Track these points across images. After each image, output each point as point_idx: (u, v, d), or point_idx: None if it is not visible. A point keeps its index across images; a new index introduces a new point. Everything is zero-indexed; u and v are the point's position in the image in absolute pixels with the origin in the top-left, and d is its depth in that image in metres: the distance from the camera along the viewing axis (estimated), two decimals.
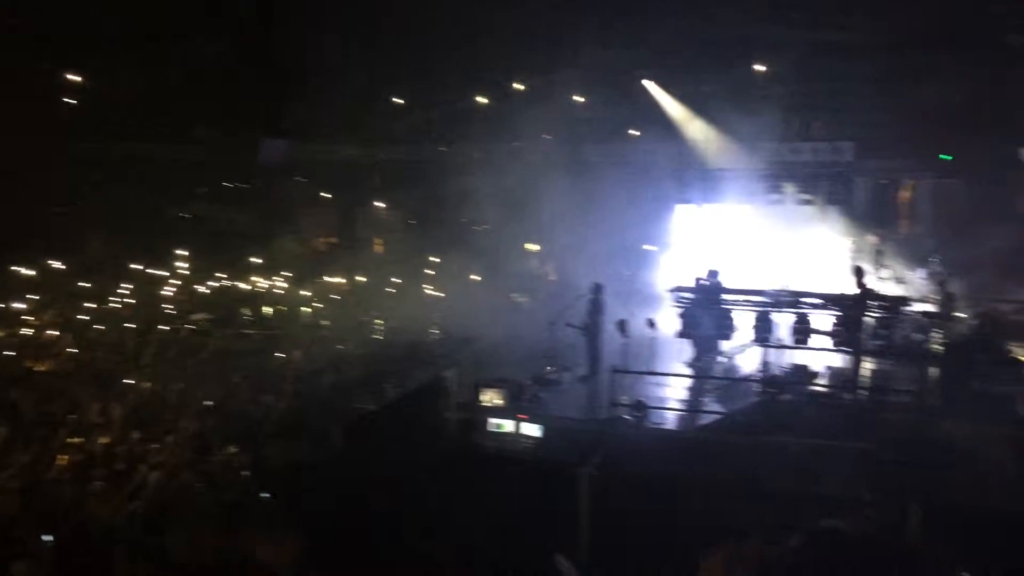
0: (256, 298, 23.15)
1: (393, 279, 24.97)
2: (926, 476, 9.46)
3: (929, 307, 16.50)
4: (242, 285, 25.02)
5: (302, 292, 23.30)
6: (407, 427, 10.24)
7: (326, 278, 25.03)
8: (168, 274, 25.31)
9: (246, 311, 21.05)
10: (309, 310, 21.72)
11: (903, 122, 22.88)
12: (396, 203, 30.85)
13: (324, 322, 20.05)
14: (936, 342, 15.34)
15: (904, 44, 22.30)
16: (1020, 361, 12.87)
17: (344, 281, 24.95)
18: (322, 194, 31.39)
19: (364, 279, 25.11)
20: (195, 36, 25.05)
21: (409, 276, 25.16)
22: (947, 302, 16.28)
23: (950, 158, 24.51)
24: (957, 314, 16.30)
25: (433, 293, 24.07)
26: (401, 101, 29.06)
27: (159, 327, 17.31)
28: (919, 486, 8.87)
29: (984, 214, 22.65)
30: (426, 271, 26.15)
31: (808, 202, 23.12)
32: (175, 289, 23.75)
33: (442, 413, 11.54)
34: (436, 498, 8.55)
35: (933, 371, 13.49)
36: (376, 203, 31.20)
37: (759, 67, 24.48)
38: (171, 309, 21.00)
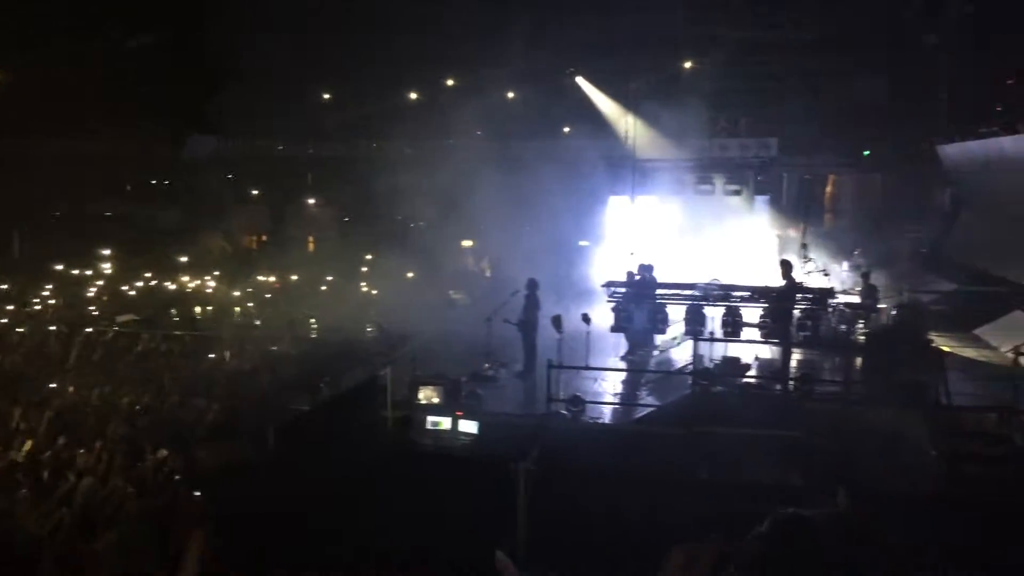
0: (185, 298, 22.63)
1: (327, 277, 24.70)
2: (852, 462, 9.77)
3: (853, 298, 17.00)
4: (170, 285, 24.44)
5: (233, 291, 22.87)
6: (343, 426, 10.15)
7: (258, 277, 24.61)
8: (92, 274, 24.59)
9: (175, 311, 20.55)
10: (240, 310, 21.33)
11: (826, 119, 23.57)
12: (329, 200, 30.53)
13: (256, 322, 19.70)
14: (860, 333, 15.84)
15: (826, 44, 22.95)
16: (939, 349, 13.38)
17: (276, 280, 24.56)
18: (252, 191, 30.89)
19: (297, 277, 24.76)
20: (117, 29, 24.39)
21: (344, 274, 24.92)
22: (869, 293, 16.80)
23: (869, 153, 25.35)
24: (879, 305, 16.85)
25: (368, 291, 23.88)
26: (332, 97, 28.77)
27: (84, 329, 16.79)
28: (846, 472, 9.16)
29: (903, 207, 23.52)
30: (361, 268, 25.93)
31: (736, 192, 23.58)
32: (100, 290, 23.08)
33: (378, 411, 11.47)
34: (373, 497, 8.50)
35: (858, 360, 13.94)
36: (308, 200, 30.83)
37: (688, 65, 24.93)
38: (96, 310, 20.39)
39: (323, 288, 23.97)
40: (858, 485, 8.46)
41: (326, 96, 28.94)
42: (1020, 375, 11.38)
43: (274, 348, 16.54)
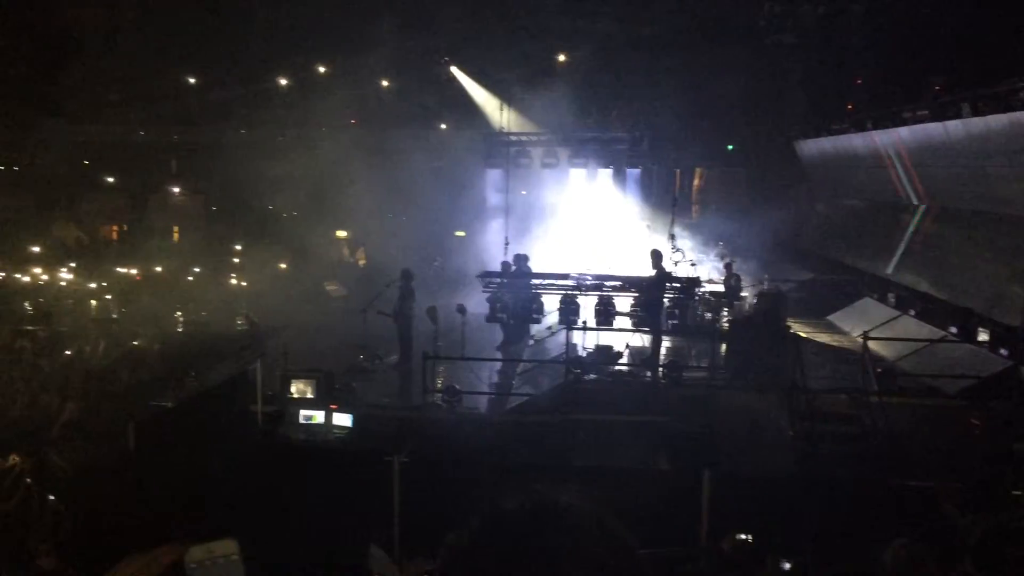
0: (38, 291, 21.29)
1: (194, 269, 23.77)
2: (716, 445, 10.18)
3: (718, 287, 17.68)
4: (21, 277, 22.92)
5: (90, 284, 21.69)
6: (210, 423, 9.80)
7: (118, 269, 23.41)
8: None
9: (27, 305, 19.31)
10: (98, 303, 20.25)
11: (694, 114, 24.40)
12: (195, 189, 29.35)
13: (115, 315, 18.77)
14: (724, 320, 16.51)
15: (693, 41, 23.70)
16: (796, 335, 14.08)
17: (138, 272, 23.43)
18: (109, 178, 29.32)
19: (161, 269, 23.71)
20: None
21: (212, 265, 24.05)
22: (733, 282, 17.51)
23: (733, 148, 26.41)
24: (742, 293, 17.60)
25: (238, 283, 23.15)
26: (197, 81, 27.65)
27: None
28: (710, 454, 9.53)
29: (765, 200, 24.63)
30: (230, 260, 25.11)
31: (607, 166, 24.20)
32: None
33: (248, 407, 11.13)
34: (242, 494, 8.25)
35: (722, 347, 14.51)
36: (173, 188, 29.54)
37: (561, 58, 25.27)
38: None
39: (189, 280, 23.06)
40: (721, 467, 8.83)
41: (191, 80, 27.77)
42: (869, 358, 12.11)
43: (136, 343, 15.80)
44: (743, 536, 5.53)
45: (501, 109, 25.35)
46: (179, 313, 19.27)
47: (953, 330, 14.75)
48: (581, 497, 1.39)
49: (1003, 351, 12.73)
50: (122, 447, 8.45)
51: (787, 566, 4.63)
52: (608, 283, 15.27)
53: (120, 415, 9.70)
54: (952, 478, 8.78)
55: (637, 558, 1.32)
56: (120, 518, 7.18)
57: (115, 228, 29.79)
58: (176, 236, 28.96)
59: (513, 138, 24.53)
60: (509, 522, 1.33)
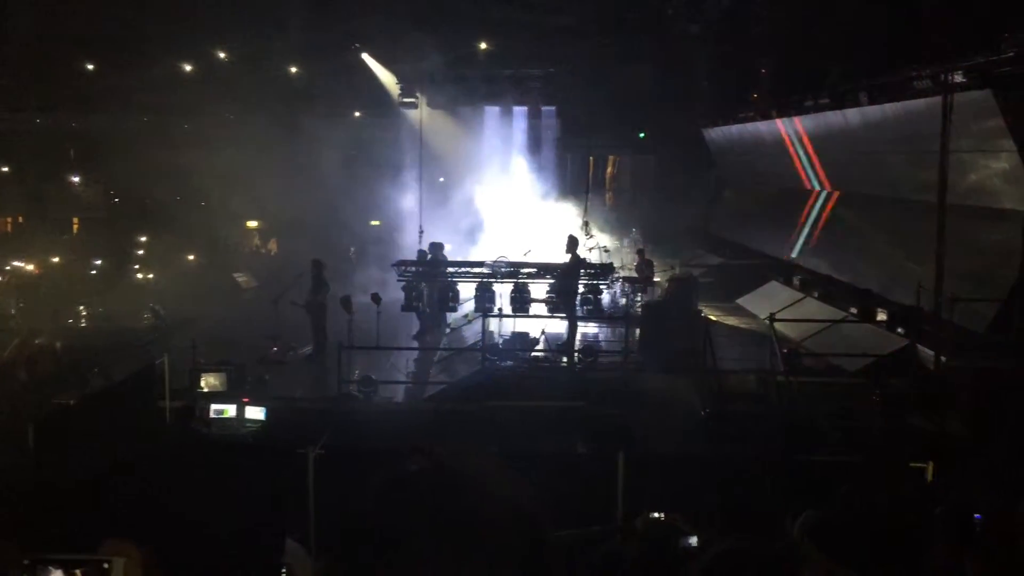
0: None
1: (96, 261, 22.92)
2: (631, 427, 10.35)
3: (631, 273, 17.97)
4: None
5: None
6: (115, 420, 9.46)
7: (13, 262, 22.37)
8: None
9: None
10: None
11: (606, 102, 24.67)
12: (96, 178, 28.23)
13: (12, 311, 17.98)
14: (637, 305, 16.81)
15: (604, 31, 23.95)
16: (706, 318, 14.42)
17: (35, 265, 22.44)
18: (2, 168, 27.96)
19: (60, 262, 22.77)
20: None
21: (115, 257, 23.24)
22: (645, 268, 17.82)
23: (644, 136, 26.84)
24: (654, 279, 17.93)
25: (144, 275, 22.44)
26: (96, 65, 26.56)
27: None
28: (625, 437, 9.68)
29: (675, 187, 25.13)
30: (135, 251, 24.32)
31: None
32: None
33: (155, 403, 10.80)
34: (150, 491, 8.01)
35: (636, 332, 14.76)
36: (72, 178, 28.34)
37: (474, 47, 25.21)
38: None
39: (92, 273, 22.23)
40: (635, 448, 8.99)
41: (89, 65, 26.64)
42: (775, 340, 12.49)
43: (37, 341, 15.16)
44: (655, 515, 5.65)
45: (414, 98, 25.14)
46: (81, 307, 18.59)
47: (853, 311, 15.32)
48: (499, 472, 1.37)
49: (900, 330, 13.30)
50: (21, 448, 8.11)
51: (693, 541, 4.76)
52: (523, 270, 15.35)
53: (17, 415, 9.31)
54: (853, 453, 9.15)
55: (541, 536, 1.31)
56: (21, 520, 6.91)
57: (9, 220, 28.47)
58: (76, 228, 27.87)
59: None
60: (409, 485, 1.32)
